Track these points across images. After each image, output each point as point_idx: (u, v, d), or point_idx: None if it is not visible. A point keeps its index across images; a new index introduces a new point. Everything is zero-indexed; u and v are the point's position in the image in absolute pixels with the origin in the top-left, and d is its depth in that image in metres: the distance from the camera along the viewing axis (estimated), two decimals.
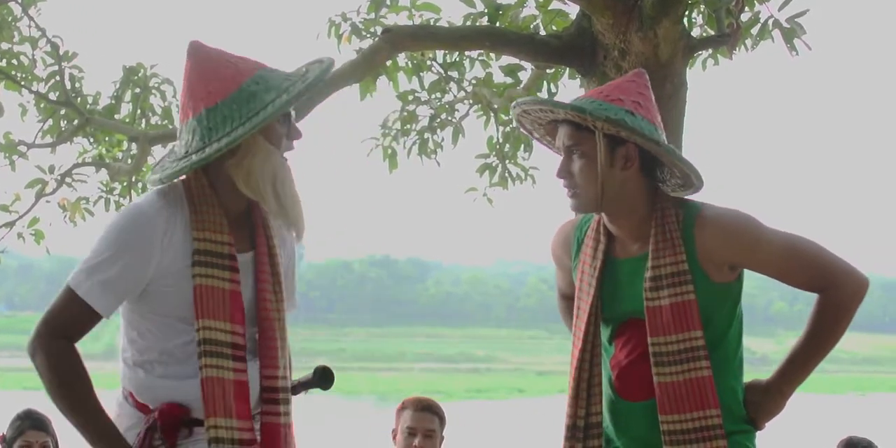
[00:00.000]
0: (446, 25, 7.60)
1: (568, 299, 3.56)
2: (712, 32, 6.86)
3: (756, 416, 3.28)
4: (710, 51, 8.25)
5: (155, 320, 3.00)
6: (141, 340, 3.02)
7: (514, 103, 3.30)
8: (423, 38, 6.31)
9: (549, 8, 7.21)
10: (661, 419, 3.17)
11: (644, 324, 3.20)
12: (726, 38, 6.40)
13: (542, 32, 7.12)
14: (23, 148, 9.04)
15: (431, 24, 7.77)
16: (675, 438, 3.15)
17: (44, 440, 5.10)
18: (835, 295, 3.21)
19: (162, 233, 2.94)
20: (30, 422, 5.12)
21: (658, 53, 5.92)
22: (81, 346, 2.94)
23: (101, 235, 2.96)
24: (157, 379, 2.99)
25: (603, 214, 3.28)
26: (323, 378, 3.15)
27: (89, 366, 2.97)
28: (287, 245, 3.20)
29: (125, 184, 9.12)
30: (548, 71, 7.71)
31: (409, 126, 8.98)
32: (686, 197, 3.32)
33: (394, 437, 4.99)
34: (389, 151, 9.10)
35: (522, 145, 8.80)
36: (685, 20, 7.09)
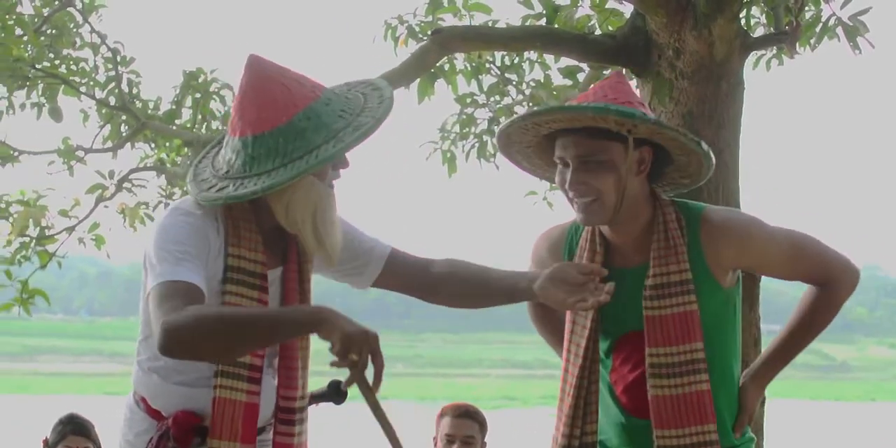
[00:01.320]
0: (501, 26, 7.50)
1: (541, 305, 3.41)
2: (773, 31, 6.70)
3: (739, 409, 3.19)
4: (774, 51, 8.11)
5: None
6: (149, 350, 2.95)
7: (527, 114, 3.06)
8: (473, 38, 6.21)
9: (604, 7, 7.08)
10: (656, 434, 3.06)
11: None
12: (784, 37, 6.24)
13: (598, 33, 6.99)
14: (80, 153, 9.09)
15: (489, 24, 7.69)
16: None
17: (85, 445, 5.08)
18: (833, 289, 3.15)
19: (206, 232, 2.87)
20: (71, 426, 5.10)
21: (713, 52, 5.78)
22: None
23: (156, 239, 2.85)
24: (171, 385, 2.93)
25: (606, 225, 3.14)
26: (336, 393, 3.07)
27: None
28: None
29: (184, 188, 9.13)
30: (604, 72, 7.58)
31: (467, 129, 8.91)
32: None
33: (434, 445, 4.91)
34: (448, 155, 9.03)
35: None
36: (743, 18, 6.94)
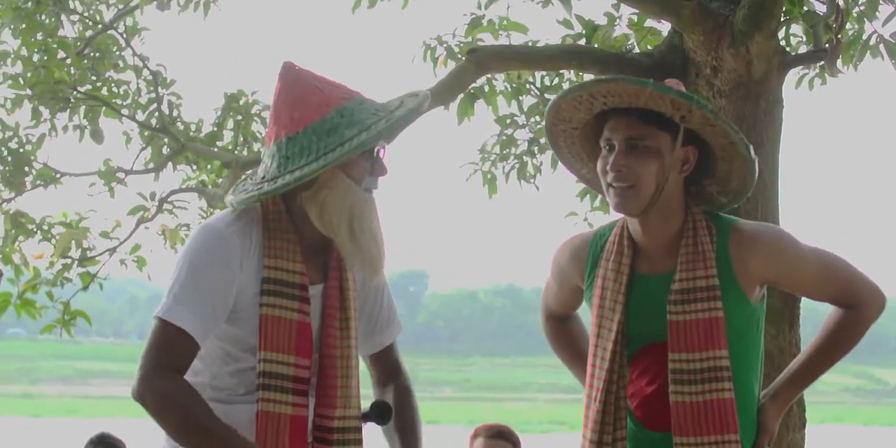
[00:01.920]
0: (536, 45, 7.47)
1: (555, 320, 3.37)
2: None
3: (758, 429, 3.11)
4: (817, 70, 8.03)
5: (213, 344, 2.89)
6: (196, 363, 2.89)
7: (588, 82, 3.01)
8: (509, 57, 6.19)
9: (642, 26, 7.04)
10: (675, 441, 2.98)
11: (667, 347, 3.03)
12: (823, 54, 6.17)
13: (636, 52, 6.96)
14: (121, 174, 9.14)
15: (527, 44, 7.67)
16: None
17: None
18: (860, 311, 3.08)
19: (239, 253, 2.84)
20: (102, 446, 5.09)
21: (751, 70, 5.73)
22: (135, 368, 2.82)
23: (180, 261, 2.85)
24: (207, 402, 2.86)
25: (636, 223, 3.07)
26: (381, 413, 3.03)
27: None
28: (376, 284, 3.07)
29: (223, 209, 9.13)
30: None
31: (507, 150, 8.87)
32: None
33: None
34: (489, 176, 8.99)
35: None
36: (783, 36, 6.89)
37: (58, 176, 9.18)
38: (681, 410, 2.97)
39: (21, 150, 8.80)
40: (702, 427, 2.96)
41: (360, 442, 2.96)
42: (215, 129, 9.56)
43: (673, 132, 2.96)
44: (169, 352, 2.77)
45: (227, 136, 9.70)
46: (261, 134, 9.60)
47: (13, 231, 9.08)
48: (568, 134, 3.16)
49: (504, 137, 8.85)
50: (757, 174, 3.06)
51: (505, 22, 7.58)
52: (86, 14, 9.12)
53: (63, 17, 8.07)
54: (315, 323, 2.92)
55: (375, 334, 3.11)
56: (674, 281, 3.01)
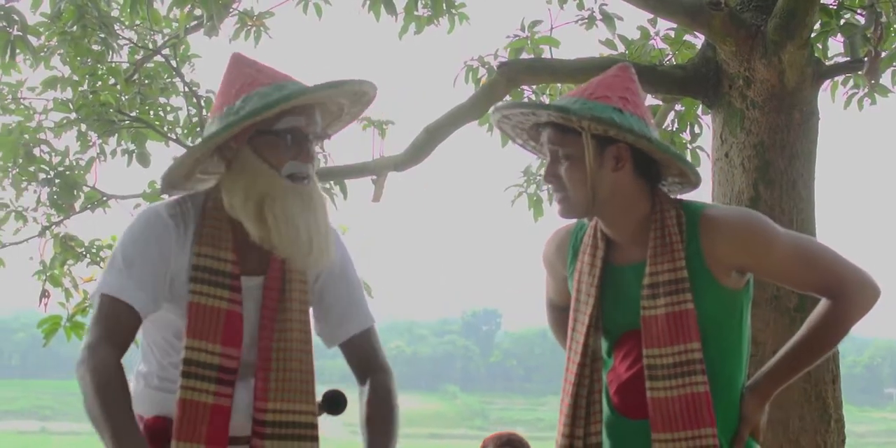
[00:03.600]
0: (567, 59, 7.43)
1: (558, 310, 3.34)
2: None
3: (739, 424, 3.03)
4: (866, 89, 7.92)
5: (157, 335, 2.93)
6: (147, 353, 2.96)
7: (493, 108, 3.11)
8: (540, 71, 6.15)
9: (678, 40, 6.98)
10: (653, 437, 2.92)
11: None
12: (859, 65, 6.08)
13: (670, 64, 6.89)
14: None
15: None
16: None
17: None
18: (846, 302, 2.96)
19: (175, 234, 2.85)
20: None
21: (784, 80, 5.65)
22: None
23: (119, 240, 2.89)
24: (150, 390, 2.91)
25: (598, 219, 3.07)
26: (332, 404, 2.99)
27: None
28: (334, 270, 3.04)
29: None
30: (677, 107, 7.48)
31: None
32: (683, 197, 3.12)
33: None
34: (534, 199, 8.96)
35: None
36: (822, 47, 6.81)
37: (105, 199, 9.26)
38: (657, 406, 2.92)
39: (67, 173, 8.88)
40: (677, 422, 2.90)
41: (303, 437, 2.89)
42: None
43: (594, 136, 2.95)
44: (110, 325, 2.77)
45: None
46: None
47: (62, 254, 9.17)
48: (525, 141, 3.22)
49: None
50: (678, 152, 3.02)
51: (537, 37, 7.54)
52: (135, 40, 9.23)
53: (111, 43, 8.13)
54: (253, 314, 2.89)
55: (333, 326, 3.07)
56: (644, 275, 2.97)
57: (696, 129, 7.93)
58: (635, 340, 2.99)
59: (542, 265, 3.31)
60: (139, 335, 2.93)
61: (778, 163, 5.67)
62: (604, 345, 3.10)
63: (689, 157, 8.21)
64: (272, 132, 2.81)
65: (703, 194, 6.10)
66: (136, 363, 3.00)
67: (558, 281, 3.28)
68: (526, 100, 7.99)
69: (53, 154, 9.08)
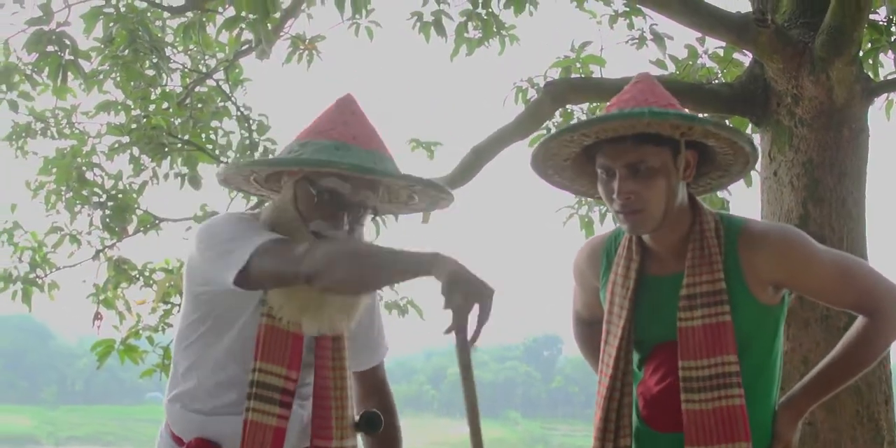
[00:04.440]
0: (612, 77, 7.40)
1: (585, 324, 3.30)
2: None
3: (772, 436, 2.97)
4: None
5: (205, 352, 2.90)
6: (185, 372, 2.94)
7: (588, 121, 2.90)
8: (585, 89, 6.13)
9: (727, 58, 6.92)
10: None
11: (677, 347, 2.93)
12: None
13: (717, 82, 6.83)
14: None
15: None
16: None
17: None
18: (883, 320, 2.91)
19: None
20: None
21: (833, 97, 5.58)
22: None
23: (214, 232, 2.79)
24: (189, 413, 2.90)
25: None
26: (370, 424, 2.99)
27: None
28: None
29: None
30: (726, 122, 7.41)
31: None
32: (723, 211, 3.09)
33: None
34: (586, 220, 8.91)
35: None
36: (872, 63, 6.72)
37: (157, 222, 9.32)
38: (692, 418, 2.88)
39: (120, 196, 8.95)
40: (712, 435, 2.86)
41: None
42: None
43: (671, 145, 2.89)
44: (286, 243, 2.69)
45: None
46: None
47: (115, 277, 9.23)
48: (559, 165, 3.10)
49: None
50: (759, 156, 2.97)
51: (583, 56, 7.51)
52: (187, 64, 9.30)
53: (163, 66, 8.20)
54: (308, 337, 2.91)
55: (366, 351, 3.10)
56: (682, 286, 2.93)
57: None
58: (667, 353, 2.95)
59: (572, 276, 3.27)
60: (177, 357, 2.94)
61: (827, 181, 5.59)
62: (636, 357, 3.06)
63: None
64: (314, 185, 2.81)
65: (752, 213, 6.04)
66: (168, 388, 3.00)
67: (588, 292, 3.24)
68: (576, 119, 7.96)
69: (106, 177, 9.16)
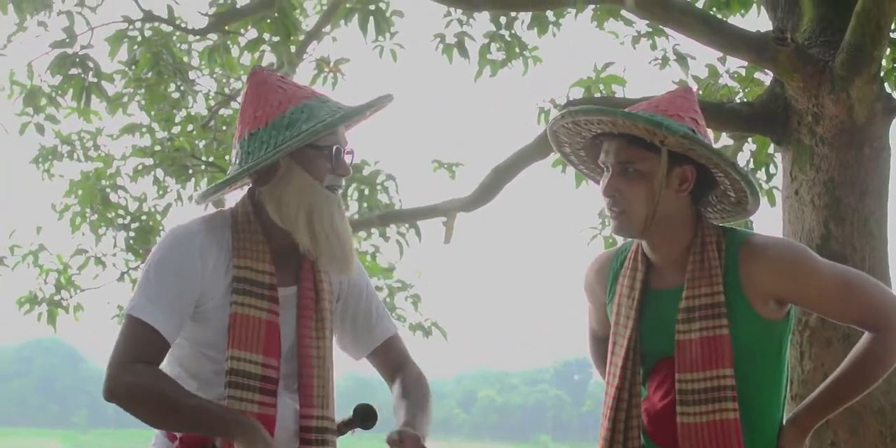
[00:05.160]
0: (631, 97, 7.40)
1: (600, 341, 3.28)
2: None
3: None
4: None
5: (187, 348, 2.92)
6: (174, 368, 2.94)
7: (565, 111, 3.02)
8: None
9: (749, 78, 6.90)
10: None
11: None
12: None
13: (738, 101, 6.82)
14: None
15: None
16: None
17: None
18: (888, 335, 2.87)
19: (204, 252, 2.87)
20: None
21: (853, 116, 5.55)
22: None
23: (148, 260, 2.90)
24: None
25: (643, 241, 3.01)
26: (365, 417, 2.98)
27: None
28: (360, 281, 3.10)
29: None
30: (748, 142, 7.39)
31: None
32: (729, 225, 3.07)
33: None
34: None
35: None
36: (894, 80, 6.70)
37: None
38: (685, 431, 2.87)
39: (144, 218, 8.99)
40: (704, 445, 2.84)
41: (335, 444, 2.95)
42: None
43: (668, 154, 2.90)
44: (139, 348, 2.79)
45: (353, 206, 9.76)
46: (385, 204, 9.65)
47: None
48: (576, 154, 3.17)
49: None
50: (756, 189, 2.96)
51: (604, 76, 7.51)
52: (212, 88, 9.36)
53: (186, 89, 8.25)
54: (289, 325, 2.93)
55: (364, 333, 3.11)
56: (681, 299, 2.92)
57: (772, 169, 7.84)
58: (669, 367, 2.94)
59: (583, 293, 3.26)
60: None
61: (849, 199, 5.57)
62: (641, 371, 3.04)
63: (764, 198, 8.11)
64: (316, 147, 2.87)
65: (774, 232, 6.00)
66: None
67: (598, 308, 3.23)
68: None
69: (131, 199, 9.21)
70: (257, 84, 2.94)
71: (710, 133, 3.05)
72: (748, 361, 2.89)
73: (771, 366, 2.94)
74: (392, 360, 3.12)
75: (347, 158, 2.95)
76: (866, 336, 2.91)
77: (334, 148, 2.90)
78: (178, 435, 2.87)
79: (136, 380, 2.74)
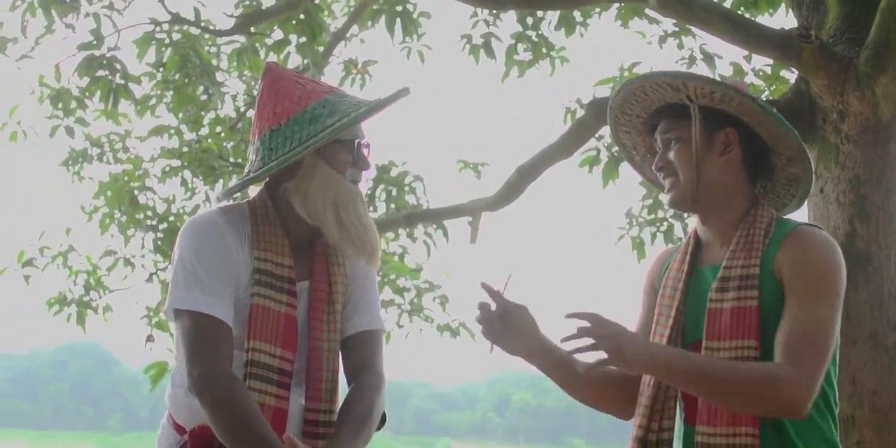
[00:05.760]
0: None
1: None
2: None
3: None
4: None
5: None
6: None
7: (619, 89, 3.05)
8: None
9: (776, 75, 6.88)
10: (696, 429, 2.84)
11: None
12: None
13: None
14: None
15: None
16: None
17: None
18: (787, 379, 2.70)
19: (229, 239, 2.87)
20: None
21: (878, 113, 5.52)
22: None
23: (179, 252, 2.88)
24: (191, 400, 2.84)
25: (697, 215, 3.01)
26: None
27: None
28: (359, 274, 3.08)
29: None
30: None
31: (654, 215, 8.74)
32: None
33: None
34: (638, 241, 8.87)
35: None
36: None
37: None
38: (703, 402, 2.84)
39: (172, 219, 9.03)
40: (721, 417, 2.82)
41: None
42: (366, 199, 9.63)
43: (702, 117, 2.92)
44: (208, 342, 2.77)
45: (381, 207, 9.78)
46: (413, 205, 9.66)
47: None
48: (633, 143, 3.18)
49: (651, 201, 8.74)
50: (811, 165, 2.96)
51: (626, 73, 7.50)
52: (240, 90, 9.39)
53: (214, 91, 8.28)
54: (300, 318, 2.93)
55: (346, 319, 3.06)
56: (720, 269, 2.91)
57: None
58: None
59: (641, 290, 3.20)
60: (175, 341, 2.93)
61: (874, 197, 5.53)
62: None
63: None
64: (338, 141, 2.90)
65: None
66: (171, 378, 2.99)
67: (650, 305, 3.13)
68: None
69: (159, 201, 9.25)
70: (274, 80, 2.94)
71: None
72: (766, 331, 2.83)
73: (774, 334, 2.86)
74: (357, 357, 3.03)
75: (365, 152, 2.96)
76: (774, 364, 2.77)
77: (356, 142, 2.92)
78: (188, 428, 2.87)
79: (221, 394, 2.73)
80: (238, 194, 3.11)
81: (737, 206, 2.96)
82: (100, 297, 9.63)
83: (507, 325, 2.93)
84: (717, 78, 7.49)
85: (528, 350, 2.99)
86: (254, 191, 3.09)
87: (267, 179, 2.97)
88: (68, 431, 78.60)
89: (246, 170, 2.97)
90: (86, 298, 9.54)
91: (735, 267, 2.88)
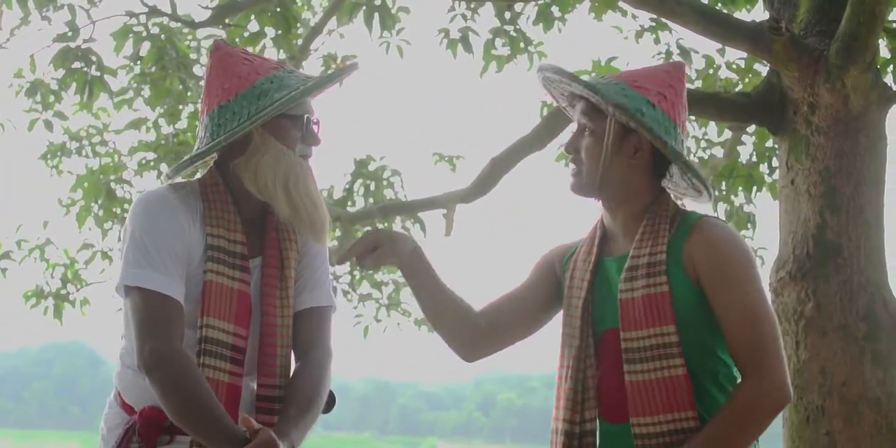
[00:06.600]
0: None
1: (505, 298, 3.17)
2: None
3: None
4: None
5: None
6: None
7: (539, 67, 3.09)
8: None
9: (749, 68, 6.90)
10: (631, 422, 2.83)
11: None
12: None
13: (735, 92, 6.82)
14: None
15: None
16: (647, 443, 2.81)
17: None
18: (753, 386, 2.76)
19: (181, 214, 2.86)
20: None
21: (849, 105, 5.54)
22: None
23: (129, 228, 2.88)
24: (140, 380, 2.82)
25: (602, 206, 3.03)
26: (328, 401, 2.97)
27: None
28: (310, 250, 3.06)
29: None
30: (747, 133, 7.39)
31: None
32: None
33: None
34: None
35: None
36: (894, 71, 6.68)
37: None
38: (635, 389, 2.84)
39: None
40: (657, 405, 2.81)
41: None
42: (345, 193, 9.66)
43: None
44: (165, 322, 2.76)
45: (360, 201, 9.78)
46: (390, 198, 9.67)
47: None
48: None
49: None
50: (692, 164, 2.96)
51: (600, 68, 7.51)
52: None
53: (191, 84, 8.27)
54: (253, 295, 2.92)
55: (296, 295, 3.03)
56: (627, 260, 2.93)
57: (774, 163, 7.83)
58: (613, 341, 2.92)
59: (533, 263, 3.21)
60: (128, 328, 2.90)
61: (844, 189, 5.55)
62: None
63: (767, 191, 8.09)
64: (288, 116, 2.90)
65: (772, 222, 6.00)
66: (120, 349, 2.96)
67: (538, 276, 3.16)
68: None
69: (135, 194, 9.23)
70: (222, 57, 2.94)
71: (684, 111, 3.03)
72: (689, 316, 2.85)
73: (699, 323, 2.87)
74: (306, 334, 3.00)
75: (315, 129, 2.97)
76: (736, 388, 2.83)
77: (305, 117, 2.93)
78: (138, 408, 2.85)
79: (173, 372, 2.71)
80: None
81: (641, 201, 2.99)
82: (77, 291, 9.61)
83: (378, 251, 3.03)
84: (693, 73, 7.47)
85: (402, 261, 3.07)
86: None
87: (216, 156, 2.97)
88: (54, 430, 78.44)
89: (195, 147, 2.96)
90: (63, 292, 9.53)
91: (642, 255, 2.90)
